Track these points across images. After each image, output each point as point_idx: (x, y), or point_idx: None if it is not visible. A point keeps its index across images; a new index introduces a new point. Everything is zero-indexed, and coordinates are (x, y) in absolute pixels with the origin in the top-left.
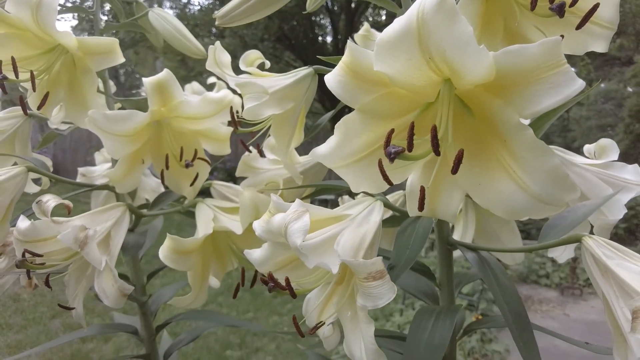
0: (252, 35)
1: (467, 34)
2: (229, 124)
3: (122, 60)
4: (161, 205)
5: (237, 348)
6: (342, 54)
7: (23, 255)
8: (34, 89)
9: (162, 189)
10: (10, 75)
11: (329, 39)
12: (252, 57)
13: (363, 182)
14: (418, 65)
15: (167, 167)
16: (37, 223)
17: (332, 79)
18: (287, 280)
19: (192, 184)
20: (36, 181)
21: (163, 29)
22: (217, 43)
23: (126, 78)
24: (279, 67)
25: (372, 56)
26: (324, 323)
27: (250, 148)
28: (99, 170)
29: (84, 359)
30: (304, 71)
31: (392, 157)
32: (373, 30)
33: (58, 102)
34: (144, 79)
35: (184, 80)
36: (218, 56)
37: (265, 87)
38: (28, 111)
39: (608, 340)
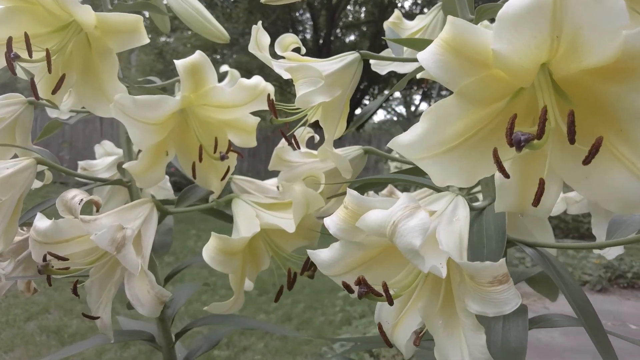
0: (233, 30)
1: (618, 8)
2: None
3: (147, 40)
4: (188, 201)
5: (225, 347)
6: (323, 50)
7: (44, 259)
8: (49, 70)
9: (168, 185)
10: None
11: (308, 35)
12: (288, 40)
13: (451, 175)
14: (540, 44)
15: (201, 160)
16: (61, 222)
17: (429, 57)
18: (385, 285)
19: (222, 178)
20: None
21: (182, 10)
22: (259, 23)
23: None
24: (257, 62)
25: (479, 32)
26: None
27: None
28: (102, 164)
29: None
30: (351, 56)
31: (521, 144)
32: (404, 20)
33: (69, 87)
34: (177, 62)
35: (160, 75)
36: (259, 38)
37: (320, 71)
38: (28, 98)
39: (585, 332)
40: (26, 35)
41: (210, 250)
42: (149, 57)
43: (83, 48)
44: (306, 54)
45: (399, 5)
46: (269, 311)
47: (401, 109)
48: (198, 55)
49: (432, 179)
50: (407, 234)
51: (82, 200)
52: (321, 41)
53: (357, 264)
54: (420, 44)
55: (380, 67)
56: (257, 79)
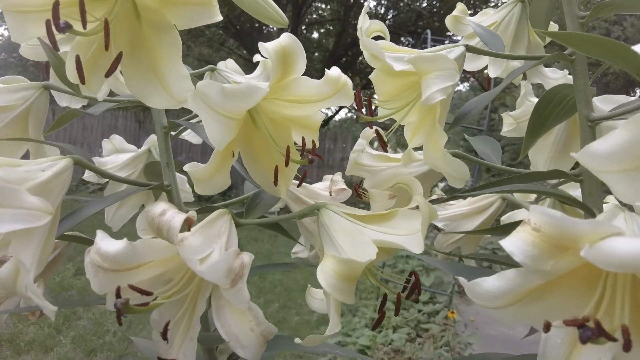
0: None
1: None
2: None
3: (220, 17)
4: (258, 210)
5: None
6: None
7: (117, 293)
8: (106, 47)
9: (187, 186)
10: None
11: (275, 28)
12: (373, 27)
13: None
14: None
15: (287, 163)
16: (139, 244)
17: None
18: (626, 329)
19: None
20: None
21: None
22: (365, 6)
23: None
24: (221, 54)
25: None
26: None
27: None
28: (113, 162)
29: None
30: (458, 48)
31: None
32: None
33: (103, 70)
34: (266, 45)
35: None
36: (365, 24)
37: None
38: (43, 82)
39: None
40: (81, 1)
41: (331, 277)
42: None
43: (128, 21)
44: None
45: (365, 3)
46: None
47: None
48: (289, 38)
49: (618, 195)
50: None
51: (182, 219)
52: None
53: (525, 294)
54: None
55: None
56: (338, 71)
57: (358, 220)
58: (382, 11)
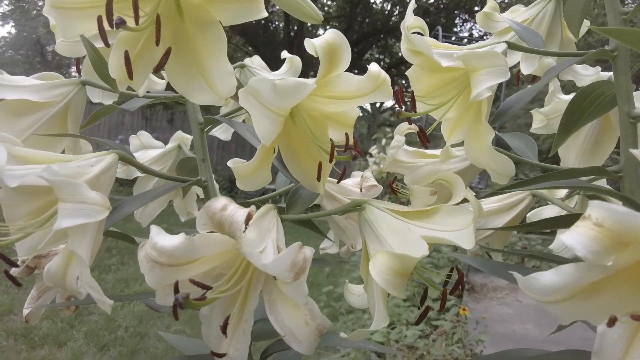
0: None
1: None
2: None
3: (265, 13)
4: (300, 206)
5: None
6: (294, 42)
7: (176, 289)
8: (157, 42)
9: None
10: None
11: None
12: (415, 24)
13: None
14: None
15: (332, 159)
16: (198, 239)
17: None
18: None
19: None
20: None
21: None
22: (412, 3)
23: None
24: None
25: None
26: None
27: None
28: (141, 158)
29: None
30: (500, 46)
31: None
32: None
33: (150, 66)
34: (313, 41)
35: None
36: (409, 20)
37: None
38: (81, 78)
39: (555, 323)
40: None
41: (385, 273)
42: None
43: (171, 16)
44: (277, 45)
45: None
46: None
47: (365, 105)
48: (335, 34)
49: None
50: None
51: (244, 214)
52: (292, 33)
53: (582, 289)
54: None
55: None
56: (378, 68)
57: (402, 217)
58: (389, 7)
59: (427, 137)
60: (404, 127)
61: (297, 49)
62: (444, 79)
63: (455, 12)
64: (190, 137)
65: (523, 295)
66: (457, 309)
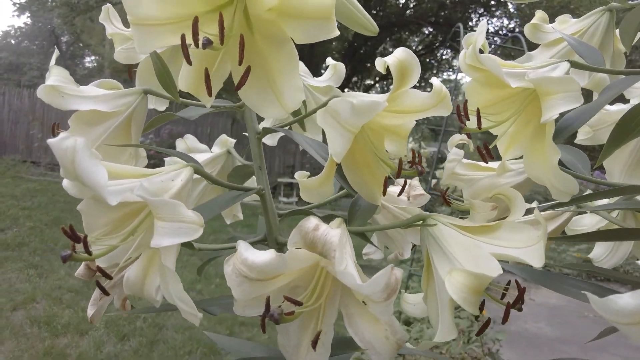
0: None
1: None
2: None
3: (336, 32)
4: (359, 219)
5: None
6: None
7: (267, 306)
8: (239, 61)
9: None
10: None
11: None
12: (471, 39)
13: None
14: None
15: (399, 174)
16: (288, 256)
17: None
18: None
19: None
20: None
21: None
22: (484, 24)
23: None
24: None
25: None
26: None
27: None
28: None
29: (59, 355)
30: (564, 64)
31: None
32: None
33: (222, 80)
34: (386, 59)
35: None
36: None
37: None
38: (143, 88)
39: (568, 322)
40: (221, 16)
41: (462, 291)
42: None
43: (242, 31)
44: None
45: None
46: None
47: None
48: (406, 53)
49: None
50: None
51: (337, 235)
52: None
53: None
54: None
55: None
56: (439, 83)
57: (466, 232)
58: (403, 1)
59: (490, 152)
60: (456, 139)
61: (308, 55)
62: (502, 94)
63: (472, 6)
64: (232, 141)
65: (536, 293)
66: None
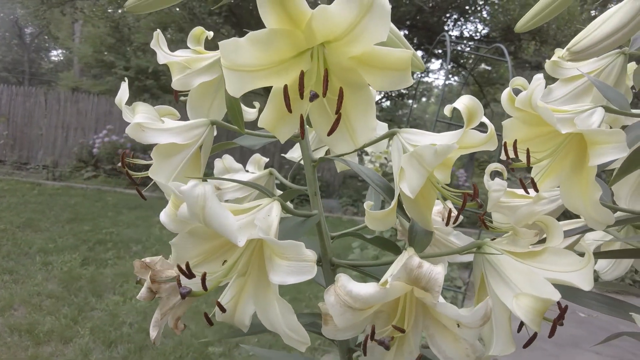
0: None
1: None
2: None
3: (411, 82)
4: (419, 246)
5: (218, 344)
6: None
7: (373, 332)
8: (337, 111)
9: None
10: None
11: None
12: (519, 83)
13: None
14: None
15: (463, 208)
16: (391, 288)
17: None
18: None
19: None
20: None
21: None
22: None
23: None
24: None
25: None
26: None
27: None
28: (230, 183)
29: None
30: (600, 110)
31: None
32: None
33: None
34: (455, 105)
35: (110, 50)
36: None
37: None
38: (210, 119)
39: (573, 322)
40: (301, 74)
41: (530, 313)
42: (101, 29)
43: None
44: None
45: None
46: None
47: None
48: (472, 100)
49: None
50: None
51: (441, 272)
52: None
53: None
54: None
55: None
56: (490, 124)
57: (517, 257)
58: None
59: (536, 186)
60: (492, 167)
61: None
62: (540, 132)
63: (449, 11)
64: (265, 160)
65: None
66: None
